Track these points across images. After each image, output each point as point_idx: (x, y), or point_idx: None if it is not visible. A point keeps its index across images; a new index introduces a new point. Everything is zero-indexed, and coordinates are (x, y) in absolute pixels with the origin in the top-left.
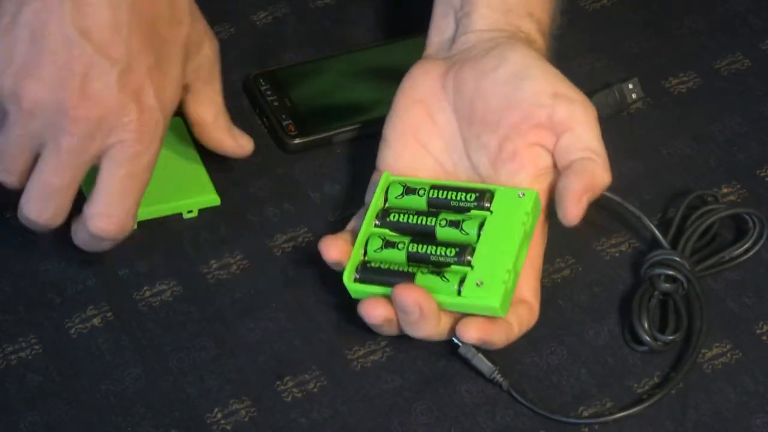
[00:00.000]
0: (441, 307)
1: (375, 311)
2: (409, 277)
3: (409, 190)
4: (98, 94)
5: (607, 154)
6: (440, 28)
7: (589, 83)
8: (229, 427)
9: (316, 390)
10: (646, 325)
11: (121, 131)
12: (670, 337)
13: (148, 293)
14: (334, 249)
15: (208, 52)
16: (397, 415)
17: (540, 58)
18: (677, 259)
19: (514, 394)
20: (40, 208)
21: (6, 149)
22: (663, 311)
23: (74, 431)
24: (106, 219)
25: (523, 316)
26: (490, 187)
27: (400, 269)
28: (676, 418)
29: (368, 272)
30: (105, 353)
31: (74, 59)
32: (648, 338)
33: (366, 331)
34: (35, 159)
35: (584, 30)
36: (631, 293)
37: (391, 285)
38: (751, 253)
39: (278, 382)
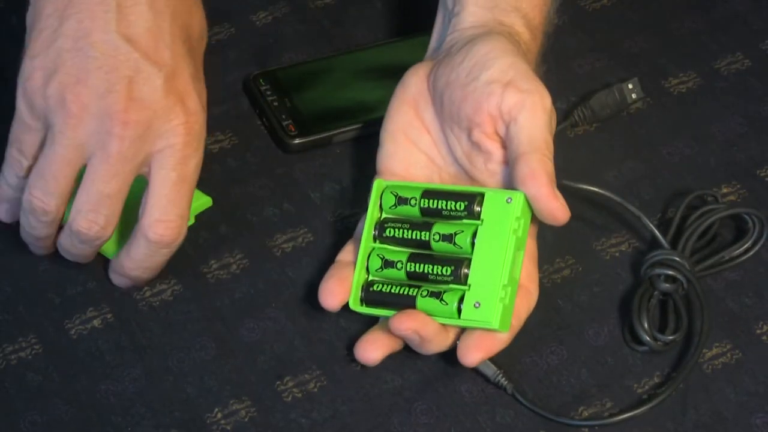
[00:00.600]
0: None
1: (372, 354)
2: (411, 300)
3: (401, 200)
4: (146, 98)
5: (608, 154)
6: (437, 31)
7: (589, 83)
8: (229, 427)
9: (316, 390)
10: (646, 325)
11: (170, 135)
12: (670, 337)
13: (148, 293)
14: (332, 298)
15: None
16: (397, 415)
17: (505, 49)
18: (677, 259)
19: (518, 397)
20: (91, 219)
21: (49, 169)
22: (663, 311)
23: (74, 431)
24: (164, 225)
25: (520, 306)
26: (479, 190)
27: (403, 292)
28: (676, 417)
29: (372, 295)
30: (105, 353)
31: (121, 64)
32: (648, 338)
33: (366, 330)
34: (78, 179)
35: (584, 30)
36: (631, 293)
37: (395, 308)
38: (750, 253)
39: (278, 382)
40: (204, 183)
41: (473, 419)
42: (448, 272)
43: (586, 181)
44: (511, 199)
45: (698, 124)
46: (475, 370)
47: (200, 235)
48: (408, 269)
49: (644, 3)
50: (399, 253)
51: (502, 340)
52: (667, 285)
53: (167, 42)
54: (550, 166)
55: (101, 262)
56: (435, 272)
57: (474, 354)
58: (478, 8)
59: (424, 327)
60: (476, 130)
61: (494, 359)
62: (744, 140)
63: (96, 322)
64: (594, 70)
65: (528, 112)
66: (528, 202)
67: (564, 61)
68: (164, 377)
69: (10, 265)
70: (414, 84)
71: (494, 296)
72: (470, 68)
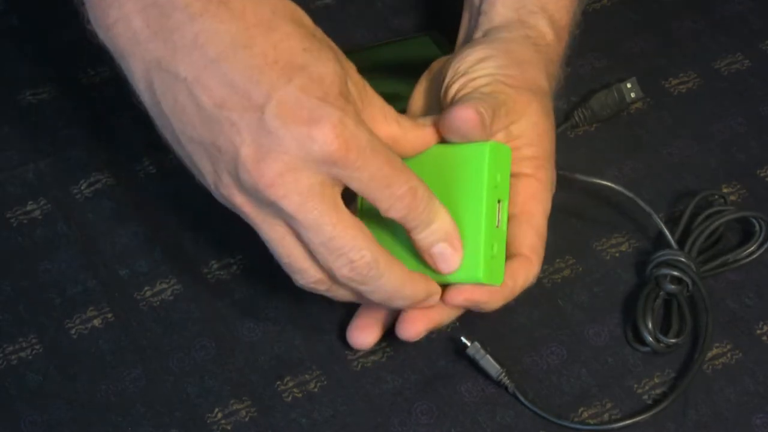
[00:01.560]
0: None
1: (368, 338)
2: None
3: None
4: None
5: (608, 154)
6: (464, 27)
7: (589, 83)
8: (229, 427)
9: (316, 390)
10: (650, 326)
11: None
12: (673, 340)
13: (148, 293)
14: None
15: None
16: (398, 415)
17: (502, 49)
18: (684, 260)
19: (520, 397)
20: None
21: (287, 251)
22: (666, 312)
23: (74, 431)
24: None
25: (517, 271)
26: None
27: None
28: (677, 417)
29: None
30: (105, 353)
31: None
32: (651, 339)
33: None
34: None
35: (584, 30)
36: (633, 293)
37: None
38: (755, 256)
39: (278, 382)
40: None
41: (473, 419)
42: None
43: (596, 176)
44: (480, 148)
45: (698, 124)
46: (479, 368)
47: (200, 235)
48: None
49: (644, 3)
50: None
51: (492, 291)
52: (673, 286)
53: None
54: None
55: (101, 261)
56: None
57: (457, 297)
58: (505, 8)
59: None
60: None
61: (499, 358)
62: (744, 140)
63: (96, 322)
64: (594, 70)
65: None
66: (503, 152)
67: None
68: (164, 377)
69: (10, 265)
70: (425, 77)
71: (476, 249)
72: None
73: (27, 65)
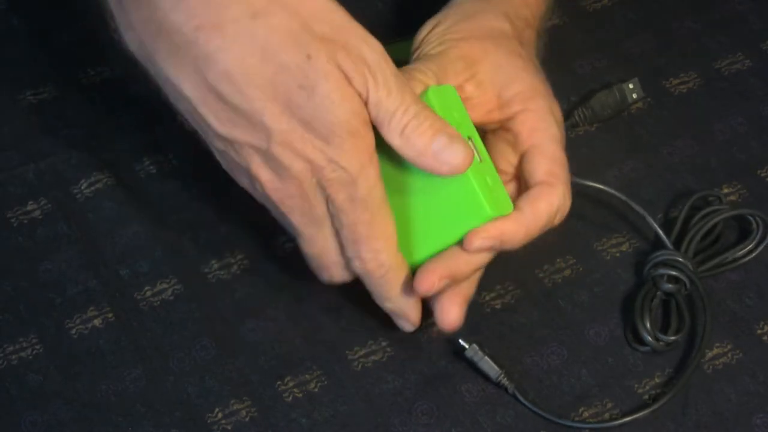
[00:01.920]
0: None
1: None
2: None
3: None
4: None
5: (608, 154)
6: None
7: (589, 83)
8: (229, 427)
9: (316, 390)
10: (648, 326)
11: None
12: (672, 338)
13: (149, 293)
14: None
15: None
16: (398, 415)
17: (452, 11)
18: (680, 259)
19: (519, 398)
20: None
21: (319, 243)
22: (665, 311)
23: (74, 431)
24: None
25: (537, 198)
26: None
27: None
28: (677, 417)
29: None
30: (105, 353)
31: None
32: (650, 338)
33: (367, 330)
34: None
35: (584, 30)
36: (633, 293)
37: None
38: (754, 255)
39: (279, 382)
40: (204, 183)
41: (473, 419)
42: None
43: (591, 178)
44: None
45: (699, 124)
46: (478, 370)
47: (200, 235)
48: None
49: (644, 3)
50: None
51: (510, 220)
52: (670, 285)
53: None
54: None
55: (101, 261)
56: None
57: (474, 239)
58: None
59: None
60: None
61: (498, 360)
62: (744, 140)
63: (96, 322)
64: (594, 70)
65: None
66: (448, 92)
67: (564, 61)
68: (165, 377)
69: (10, 265)
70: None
71: (469, 188)
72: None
73: (27, 65)
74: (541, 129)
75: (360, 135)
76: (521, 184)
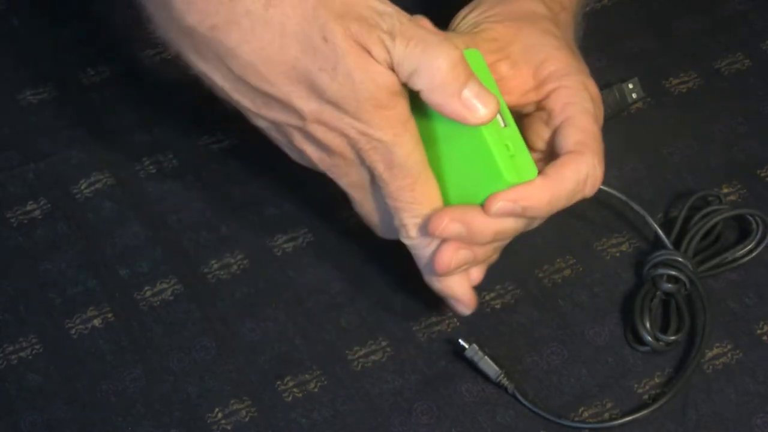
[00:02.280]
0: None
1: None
2: None
3: None
4: None
5: (608, 154)
6: None
7: None
8: (229, 427)
9: (316, 390)
10: (648, 325)
11: None
12: (672, 338)
13: (148, 293)
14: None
15: None
16: (398, 415)
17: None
18: (680, 259)
19: (519, 398)
20: None
21: (367, 206)
22: (665, 311)
23: (74, 431)
24: None
25: (564, 166)
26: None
27: None
28: (677, 417)
29: None
30: (105, 353)
31: None
32: (650, 338)
33: (367, 330)
34: None
35: (585, 30)
36: (633, 293)
37: None
38: (754, 254)
39: (278, 382)
40: (204, 183)
41: (473, 419)
42: None
43: None
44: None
45: (699, 124)
46: (478, 370)
47: (200, 235)
48: None
49: (644, 3)
50: None
51: (532, 186)
52: (670, 285)
53: None
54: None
55: (101, 261)
56: None
57: (494, 203)
58: None
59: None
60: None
61: (498, 360)
62: (744, 140)
63: (96, 322)
64: (594, 70)
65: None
66: (474, 57)
67: None
68: (165, 377)
69: (10, 265)
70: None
71: (489, 155)
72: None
73: (27, 65)
74: (573, 103)
75: (389, 106)
76: (553, 157)
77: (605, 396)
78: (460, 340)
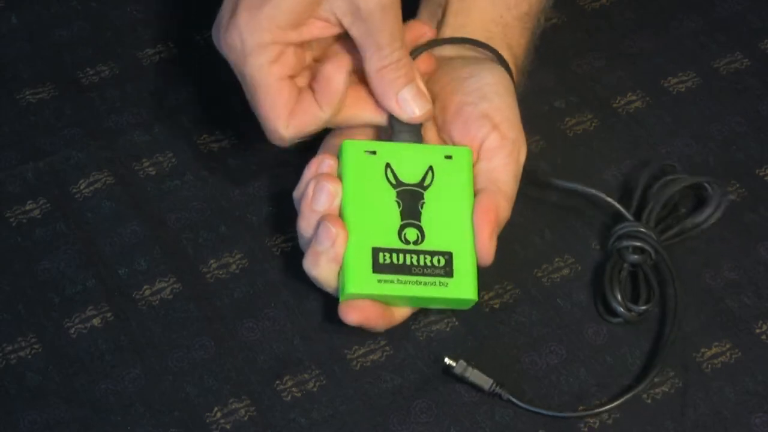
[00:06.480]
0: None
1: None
2: None
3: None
4: None
5: (607, 153)
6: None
7: (588, 83)
8: (228, 427)
9: (315, 389)
10: (619, 297)
11: None
12: (643, 308)
13: (147, 292)
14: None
15: None
16: (397, 414)
17: (508, 88)
18: (643, 230)
19: (516, 402)
20: None
21: None
22: (634, 282)
23: (74, 431)
24: None
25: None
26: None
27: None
28: (675, 417)
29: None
30: (104, 352)
31: None
32: (622, 309)
33: (366, 330)
34: None
35: (582, 29)
36: (601, 267)
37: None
38: (712, 221)
39: (278, 382)
40: (203, 183)
41: (472, 419)
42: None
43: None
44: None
45: (697, 124)
46: (469, 384)
47: (200, 235)
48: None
49: (644, 3)
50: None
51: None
52: (636, 256)
53: None
54: (504, 211)
55: (100, 261)
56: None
57: (349, 313)
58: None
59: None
60: (448, 141)
61: (496, 357)
62: (743, 140)
63: (95, 321)
64: (593, 69)
65: (504, 158)
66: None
67: (563, 60)
68: (164, 376)
69: (9, 264)
70: None
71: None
72: (473, 91)
73: (27, 65)
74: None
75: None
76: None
77: (604, 395)
78: (446, 360)
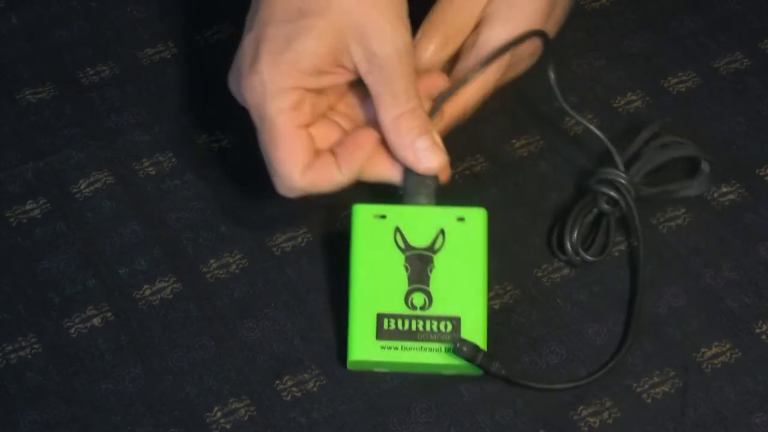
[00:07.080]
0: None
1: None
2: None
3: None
4: None
5: (607, 153)
6: None
7: (588, 83)
8: (228, 426)
9: (315, 389)
10: (574, 238)
11: None
12: (591, 258)
13: (148, 292)
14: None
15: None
16: (397, 414)
17: None
18: (624, 181)
19: (514, 379)
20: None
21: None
22: (594, 229)
23: (74, 431)
24: None
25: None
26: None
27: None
28: (675, 417)
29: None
30: (104, 352)
31: None
32: (571, 251)
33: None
34: None
35: (584, 30)
36: (571, 204)
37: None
38: (694, 195)
39: (277, 382)
40: (203, 182)
41: (472, 419)
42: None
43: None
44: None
45: (697, 124)
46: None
47: (200, 235)
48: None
49: (644, 2)
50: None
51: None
52: (608, 207)
53: None
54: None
55: (101, 260)
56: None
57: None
58: None
59: None
60: None
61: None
62: (743, 140)
63: (95, 321)
64: (593, 69)
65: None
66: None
67: (563, 60)
68: (164, 376)
69: (9, 264)
70: None
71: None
72: None
73: (27, 65)
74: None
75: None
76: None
77: (604, 395)
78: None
